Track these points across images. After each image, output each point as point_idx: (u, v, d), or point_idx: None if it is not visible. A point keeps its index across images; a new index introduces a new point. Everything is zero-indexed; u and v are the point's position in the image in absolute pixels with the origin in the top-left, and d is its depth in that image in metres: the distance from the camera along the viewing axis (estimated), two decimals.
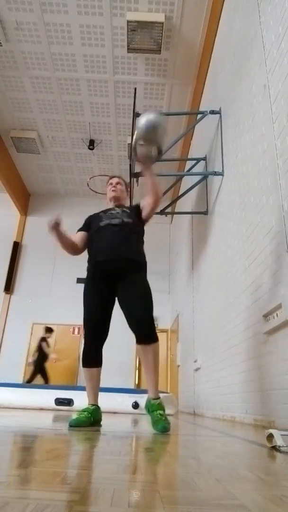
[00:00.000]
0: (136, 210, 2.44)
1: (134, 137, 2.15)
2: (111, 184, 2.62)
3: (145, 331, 2.05)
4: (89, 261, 2.34)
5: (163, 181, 8.26)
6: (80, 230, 2.52)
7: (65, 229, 2.31)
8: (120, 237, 2.25)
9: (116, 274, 2.20)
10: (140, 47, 5.47)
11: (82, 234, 2.47)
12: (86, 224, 2.52)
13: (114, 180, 2.63)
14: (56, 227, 2.22)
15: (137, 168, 5.00)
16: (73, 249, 2.42)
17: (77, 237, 2.46)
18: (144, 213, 2.39)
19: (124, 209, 2.48)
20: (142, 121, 2.11)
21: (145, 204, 2.39)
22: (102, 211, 2.51)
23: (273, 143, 2.52)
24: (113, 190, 2.58)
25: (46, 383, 6.85)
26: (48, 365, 7.41)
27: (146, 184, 2.31)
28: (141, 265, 2.26)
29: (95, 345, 2.20)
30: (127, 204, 2.67)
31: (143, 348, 2.06)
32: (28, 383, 6.74)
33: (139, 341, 2.06)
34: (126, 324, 2.11)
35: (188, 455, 1.12)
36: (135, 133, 2.13)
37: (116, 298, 2.24)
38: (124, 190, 2.64)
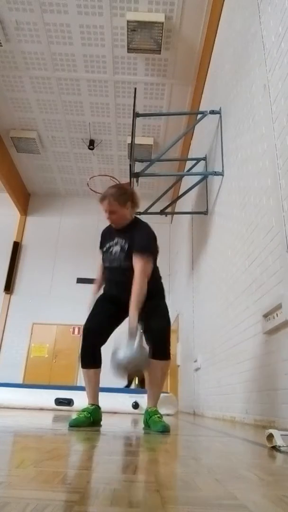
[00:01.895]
0: (136, 244, 2.26)
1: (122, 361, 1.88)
2: (105, 211, 2.28)
3: (160, 347, 2.09)
4: (105, 283, 2.40)
5: (163, 181, 8.28)
6: (100, 248, 2.47)
7: (95, 293, 2.42)
8: (124, 282, 2.15)
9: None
10: (140, 47, 5.47)
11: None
12: (101, 245, 2.46)
13: (104, 207, 2.24)
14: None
15: (138, 168, 5.00)
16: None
17: (100, 263, 2.47)
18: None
19: (124, 239, 2.26)
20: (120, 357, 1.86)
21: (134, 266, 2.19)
22: (108, 232, 2.41)
23: (273, 143, 2.52)
24: (108, 219, 2.30)
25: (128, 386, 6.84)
26: (48, 365, 7.40)
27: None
28: (153, 295, 2.19)
29: (93, 347, 2.19)
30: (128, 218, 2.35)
31: (153, 363, 2.08)
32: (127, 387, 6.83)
33: (152, 355, 2.06)
34: (126, 324, 2.12)
35: (188, 455, 1.12)
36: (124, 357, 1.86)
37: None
38: (118, 209, 2.25)
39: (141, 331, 2.01)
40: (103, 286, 2.42)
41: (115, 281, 2.30)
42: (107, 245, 2.34)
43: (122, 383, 6.62)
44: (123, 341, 1.87)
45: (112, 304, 2.26)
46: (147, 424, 2.02)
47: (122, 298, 2.12)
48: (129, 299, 2.07)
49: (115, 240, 2.31)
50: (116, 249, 2.27)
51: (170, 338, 2.17)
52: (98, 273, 2.49)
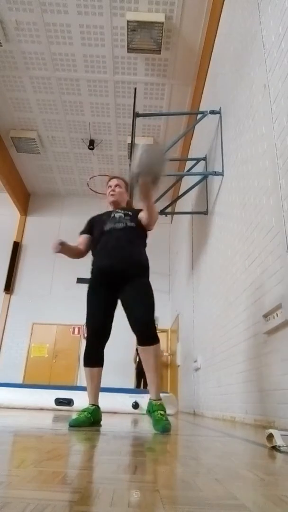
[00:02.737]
0: (138, 214, 2.40)
1: (132, 169, 1.99)
2: (110, 186, 2.54)
3: (146, 332, 2.07)
4: (93, 264, 2.35)
5: (163, 181, 8.26)
6: (82, 233, 2.51)
7: (67, 242, 2.30)
8: (124, 241, 2.25)
9: (120, 277, 2.20)
10: (140, 47, 5.47)
11: (85, 238, 2.47)
12: (89, 226, 2.51)
13: (113, 182, 2.55)
14: (60, 248, 2.25)
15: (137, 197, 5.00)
16: (78, 254, 2.45)
17: (80, 241, 2.47)
18: (144, 225, 2.35)
19: (127, 211, 2.44)
20: (138, 154, 1.93)
21: (142, 220, 2.33)
22: (105, 214, 2.48)
23: (273, 143, 2.52)
24: (112, 195, 2.52)
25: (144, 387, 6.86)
26: (48, 365, 7.41)
27: (143, 206, 2.23)
28: (144, 269, 2.26)
29: (97, 346, 2.21)
30: (126, 203, 2.63)
31: (144, 349, 2.08)
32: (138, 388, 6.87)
33: (140, 342, 2.08)
34: (127, 325, 2.13)
35: (188, 455, 1.12)
36: (133, 164, 1.96)
37: (119, 300, 2.24)
38: (123, 191, 2.56)
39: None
40: (93, 261, 2.35)
41: (113, 244, 2.25)
42: (107, 216, 2.41)
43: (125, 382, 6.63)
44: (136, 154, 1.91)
45: (105, 286, 2.24)
46: (150, 414, 2.03)
47: (115, 267, 2.16)
48: (123, 269, 2.17)
49: (118, 214, 2.41)
50: (120, 214, 2.40)
51: (154, 319, 2.13)
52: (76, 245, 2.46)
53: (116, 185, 2.53)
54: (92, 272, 2.33)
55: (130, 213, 2.42)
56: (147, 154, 1.90)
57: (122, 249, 2.23)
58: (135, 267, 2.22)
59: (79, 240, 2.47)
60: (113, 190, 2.51)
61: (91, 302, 2.27)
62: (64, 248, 2.27)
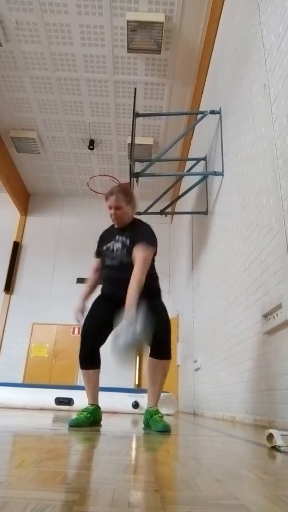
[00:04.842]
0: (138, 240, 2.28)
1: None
2: (110, 208, 2.31)
3: (162, 346, 2.10)
4: (102, 285, 2.39)
5: (163, 181, 8.27)
6: (96, 256, 2.50)
7: (84, 302, 2.41)
8: (121, 278, 2.14)
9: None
10: (140, 47, 5.47)
11: (98, 262, 2.48)
12: (99, 248, 2.48)
13: (112, 204, 2.29)
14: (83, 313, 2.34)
15: (138, 168, 4.99)
16: (98, 282, 2.48)
17: (94, 266, 2.49)
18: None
19: (126, 236, 2.30)
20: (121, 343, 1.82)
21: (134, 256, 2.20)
22: (110, 232, 2.43)
23: (273, 143, 2.52)
24: (112, 217, 2.34)
25: None
26: (48, 365, 7.40)
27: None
28: (152, 293, 2.21)
29: (91, 347, 2.19)
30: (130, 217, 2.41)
31: (154, 362, 2.09)
32: None
33: (155, 354, 2.09)
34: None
35: (188, 455, 1.12)
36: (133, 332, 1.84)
37: None
38: (124, 207, 2.31)
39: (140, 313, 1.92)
40: (101, 286, 2.41)
41: (114, 279, 2.28)
42: (107, 245, 2.36)
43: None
44: (123, 326, 1.84)
45: (109, 304, 2.24)
46: (147, 424, 2.02)
47: (120, 296, 2.12)
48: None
49: (116, 238, 2.33)
50: (117, 246, 2.30)
51: (170, 337, 2.17)
52: (89, 277, 2.50)
53: (115, 208, 2.29)
54: (102, 290, 2.39)
55: (128, 240, 2.28)
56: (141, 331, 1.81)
57: (122, 290, 2.07)
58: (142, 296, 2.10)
59: (93, 265, 2.50)
60: (114, 214, 2.30)
61: (93, 307, 2.30)
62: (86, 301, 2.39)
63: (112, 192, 2.33)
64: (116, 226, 2.39)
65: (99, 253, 2.46)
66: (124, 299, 2.06)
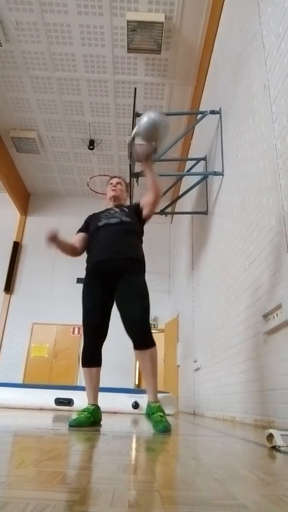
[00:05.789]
0: (135, 209, 2.45)
1: (133, 133, 2.20)
2: (111, 184, 2.61)
3: (141, 336, 2.03)
4: (88, 260, 2.35)
5: (163, 181, 8.26)
6: (79, 231, 2.53)
7: (62, 236, 2.28)
8: (118, 236, 2.26)
9: (115, 273, 2.19)
10: (140, 47, 5.47)
11: (81, 235, 2.48)
12: (85, 224, 2.53)
13: (115, 180, 2.63)
14: (54, 239, 2.21)
15: (138, 168, 5.00)
16: (73, 252, 2.42)
17: (76, 239, 2.46)
18: (144, 212, 2.39)
19: (123, 208, 2.48)
20: (144, 119, 2.15)
21: (145, 202, 2.39)
22: (101, 211, 2.51)
23: (273, 143, 2.52)
24: (112, 190, 2.58)
25: None
26: (48, 365, 7.40)
27: (146, 183, 2.32)
28: (139, 264, 2.26)
29: (94, 345, 2.20)
30: (127, 204, 2.67)
31: (140, 353, 2.04)
32: None
33: (136, 346, 2.04)
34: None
35: (188, 455, 1.12)
36: (135, 130, 2.17)
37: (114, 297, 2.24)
38: (124, 190, 2.63)
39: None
40: (87, 258, 2.35)
41: (108, 239, 2.25)
42: (104, 213, 2.45)
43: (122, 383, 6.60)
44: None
45: (100, 283, 2.23)
46: (149, 417, 2.02)
47: (109, 262, 2.16)
48: (117, 264, 2.17)
49: (113, 210, 2.46)
50: (116, 209, 2.45)
51: (149, 321, 2.08)
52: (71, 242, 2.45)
53: (117, 183, 2.61)
54: (87, 269, 2.33)
55: (126, 209, 2.45)
56: (154, 122, 2.13)
57: (117, 244, 2.22)
58: (130, 262, 2.20)
59: (74, 238, 2.47)
60: (115, 187, 2.59)
61: (87, 300, 2.26)
62: (57, 241, 2.24)
63: (116, 176, 2.71)
64: (112, 203, 2.55)
65: (86, 227, 2.47)
66: (113, 267, 2.15)
